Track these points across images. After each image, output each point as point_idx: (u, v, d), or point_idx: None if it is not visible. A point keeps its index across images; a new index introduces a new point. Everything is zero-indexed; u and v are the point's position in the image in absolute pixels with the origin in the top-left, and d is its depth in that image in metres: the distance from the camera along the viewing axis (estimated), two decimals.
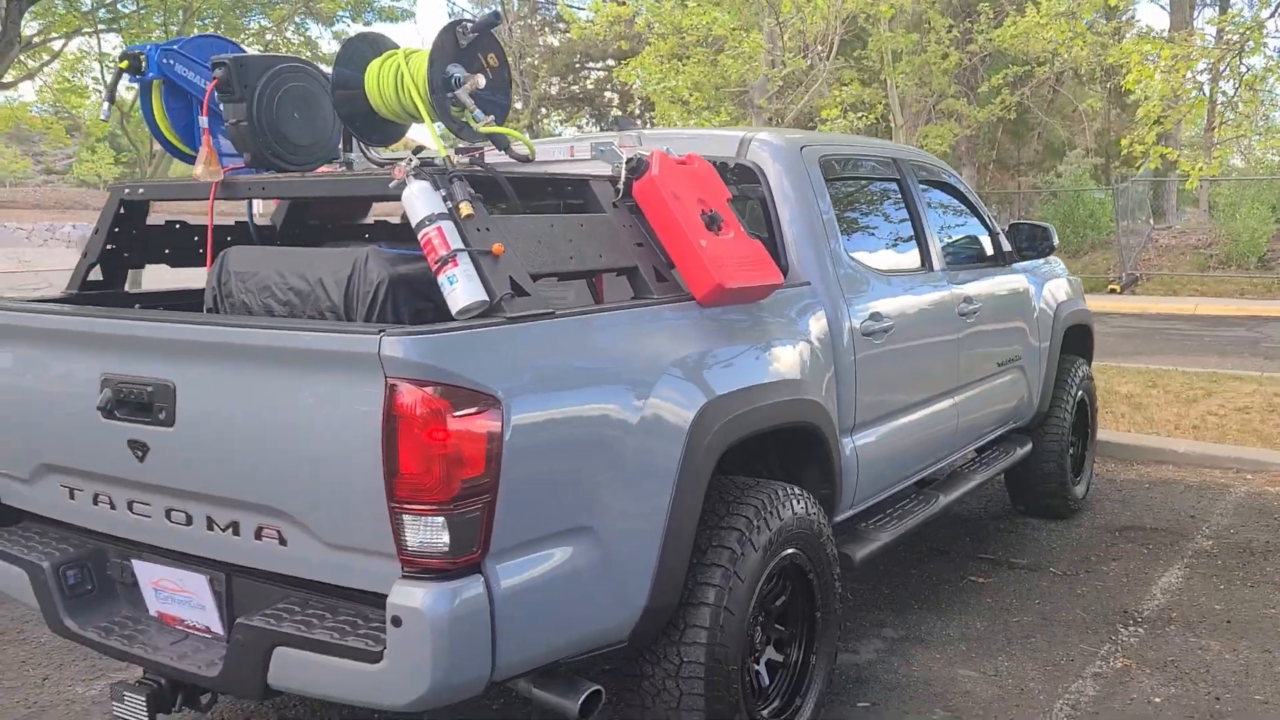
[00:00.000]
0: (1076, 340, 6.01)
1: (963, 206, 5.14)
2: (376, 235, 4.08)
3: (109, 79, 3.51)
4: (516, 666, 2.52)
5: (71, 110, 21.05)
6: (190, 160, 3.34)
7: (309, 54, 18.88)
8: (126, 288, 3.52)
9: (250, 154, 3.05)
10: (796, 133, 4.29)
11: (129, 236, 3.40)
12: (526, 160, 2.95)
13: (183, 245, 3.60)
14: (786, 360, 3.38)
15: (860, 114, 15.70)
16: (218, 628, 2.79)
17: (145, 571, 2.89)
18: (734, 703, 2.98)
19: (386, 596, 2.39)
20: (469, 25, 2.76)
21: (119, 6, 16.56)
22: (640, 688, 2.98)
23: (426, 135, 2.97)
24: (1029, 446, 5.53)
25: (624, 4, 21.53)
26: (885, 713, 3.74)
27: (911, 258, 4.46)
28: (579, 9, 33.79)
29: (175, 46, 3.20)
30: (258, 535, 2.60)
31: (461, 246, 2.50)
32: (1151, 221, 25.39)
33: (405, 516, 2.33)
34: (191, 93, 3.20)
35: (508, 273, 2.57)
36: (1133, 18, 31.13)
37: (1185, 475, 6.96)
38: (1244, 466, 6.99)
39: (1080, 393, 5.98)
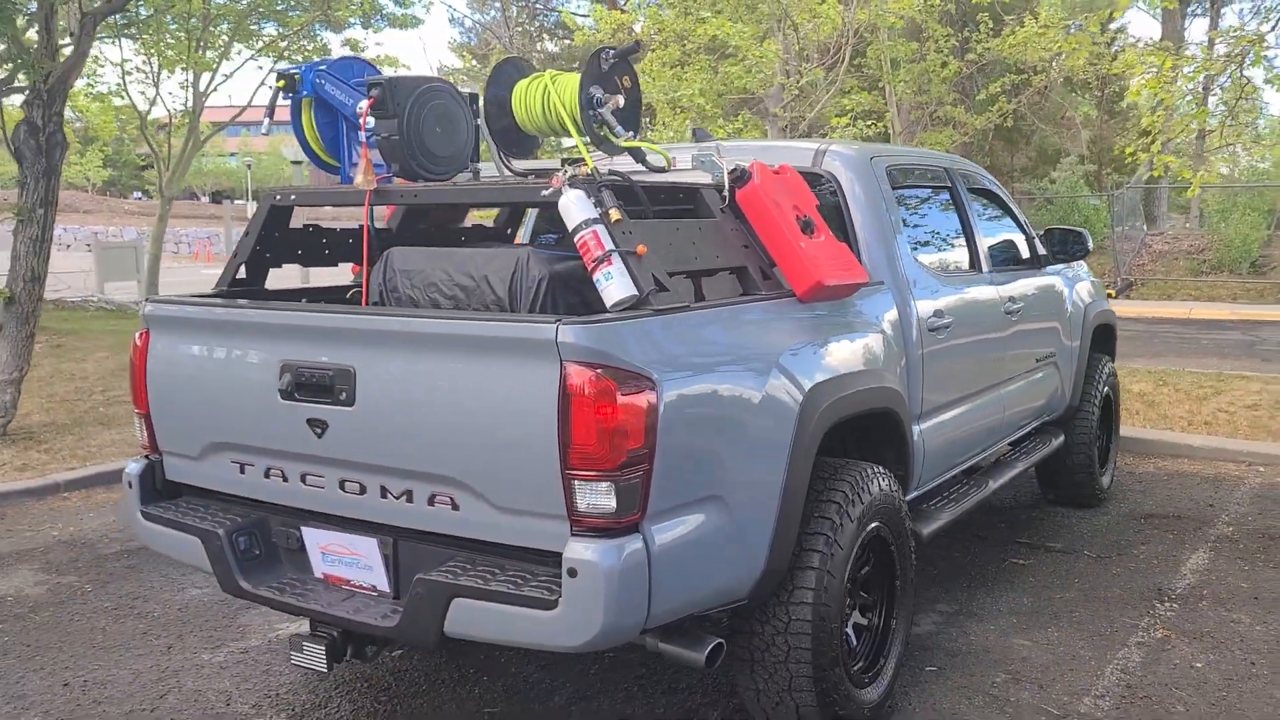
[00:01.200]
0: (1102, 339, 6.40)
1: (1002, 212, 5.51)
2: (473, 237, 4.45)
3: (269, 97, 3.77)
4: (664, 615, 2.86)
5: (83, 115, 21.29)
6: (332, 170, 3.67)
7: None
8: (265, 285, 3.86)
9: (399, 165, 3.38)
10: (864, 144, 4.64)
11: (272, 239, 3.74)
12: (662, 171, 3.29)
13: (313, 247, 3.94)
14: (871, 352, 3.74)
15: (869, 122, 16.10)
16: (384, 586, 3.12)
17: (314, 537, 3.23)
18: (834, 657, 3.33)
19: (553, 553, 2.73)
20: (610, 53, 3.11)
21: (134, 12, 16.82)
22: (751, 643, 3.32)
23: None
24: (1062, 438, 5.90)
25: (625, 11, 21.94)
26: (951, 676, 4.09)
27: (964, 259, 4.83)
28: (580, 15, 34.15)
29: (324, 67, 3.53)
30: (430, 502, 2.93)
31: (614, 247, 2.85)
32: (1145, 227, 25.93)
33: (577, 482, 2.67)
34: (339, 109, 3.54)
35: (650, 270, 2.92)
36: (1124, 27, 31.72)
37: (1201, 468, 7.35)
38: (1256, 460, 7.39)
39: (1106, 388, 6.36)
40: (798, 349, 3.34)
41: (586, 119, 3.08)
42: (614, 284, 2.83)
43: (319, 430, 3.05)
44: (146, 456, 3.61)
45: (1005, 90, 21.36)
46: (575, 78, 3.17)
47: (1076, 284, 6.08)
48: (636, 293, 2.84)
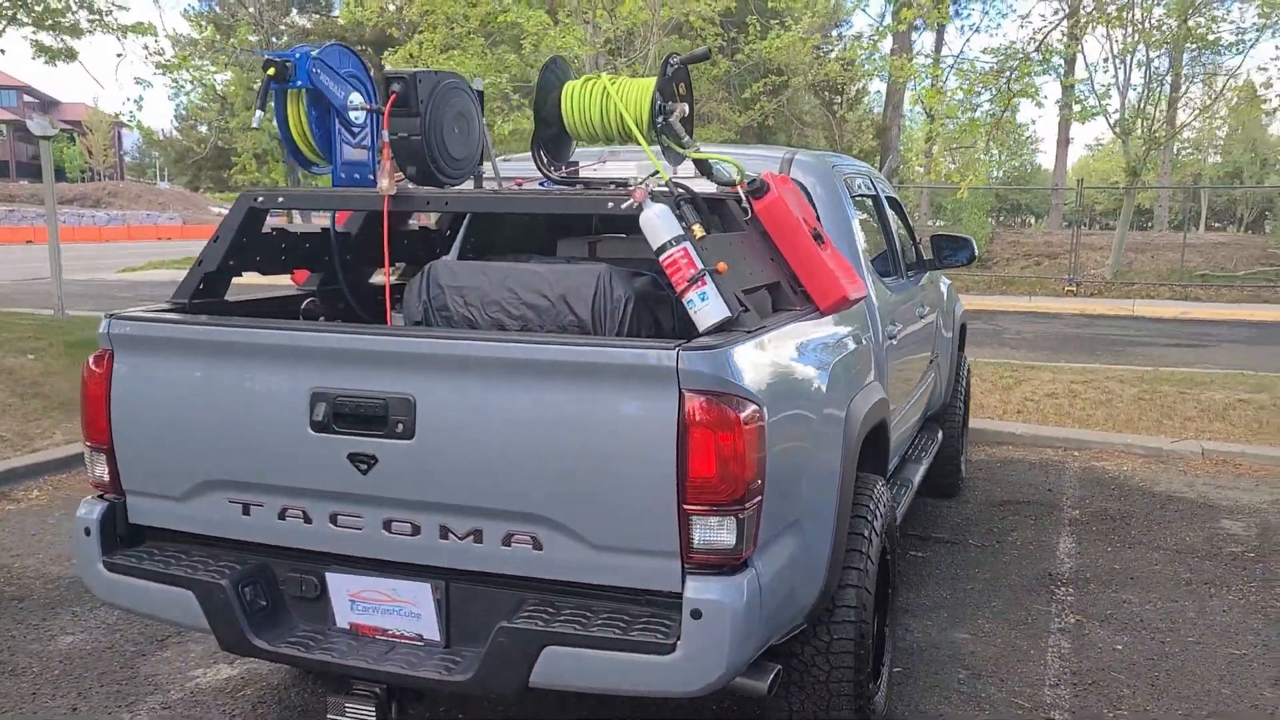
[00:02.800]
0: (963, 338, 6.79)
1: (900, 218, 5.71)
2: (415, 240, 4.14)
3: (260, 85, 3.28)
4: (759, 650, 2.76)
5: None
6: (313, 168, 3.29)
7: None
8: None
9: (416, 167, 3.07)
10: (821, 152, 4.66)
11: (240, 245, 3.30)
12: (730, 185, 3.13)
13: (272, 254, 3.52)
14: (870, 363, 3.77)
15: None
16: (434, 635, 2.83)
17: (341, 583, 2.88)
18: (870, 672, 3.34)
19: (654, 592, 2.58)
20: (676, 59, 2.94)
21: None
22: (789, 665, 3.26)
23: None
24: (940, 433, 6.20)
25: None
26: (919, 676, 4.21)
27: (891, 264, 4.97)
28: None
29: (316, 54, 3.14)
30: (506, 542, 2.68)
31: (704, 266, 2.70)
32: None
33: (695, 517, 2.52)
34: (332, 103, 3.16)
35: (732, 290, 2.79)
36: (860, 35, 33.93)
37: (1025, 454, 7.96)
38: (1069, 445, 8.08)
39: (966, 383, 6.75)
40: (835, 364, 3.31)
41: (656, 127, 2.91)
42: (709, 305, 2.68)
43: (364, 466, 2.72)
44: (102, 497, 3.10)
45: (765, 90, 22.29)
46: (639, 83, 2.98)
47: (947, 285, 6.42)
48: (730, 314, 2.71)
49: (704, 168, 3.04)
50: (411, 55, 21.10)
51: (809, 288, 3.40)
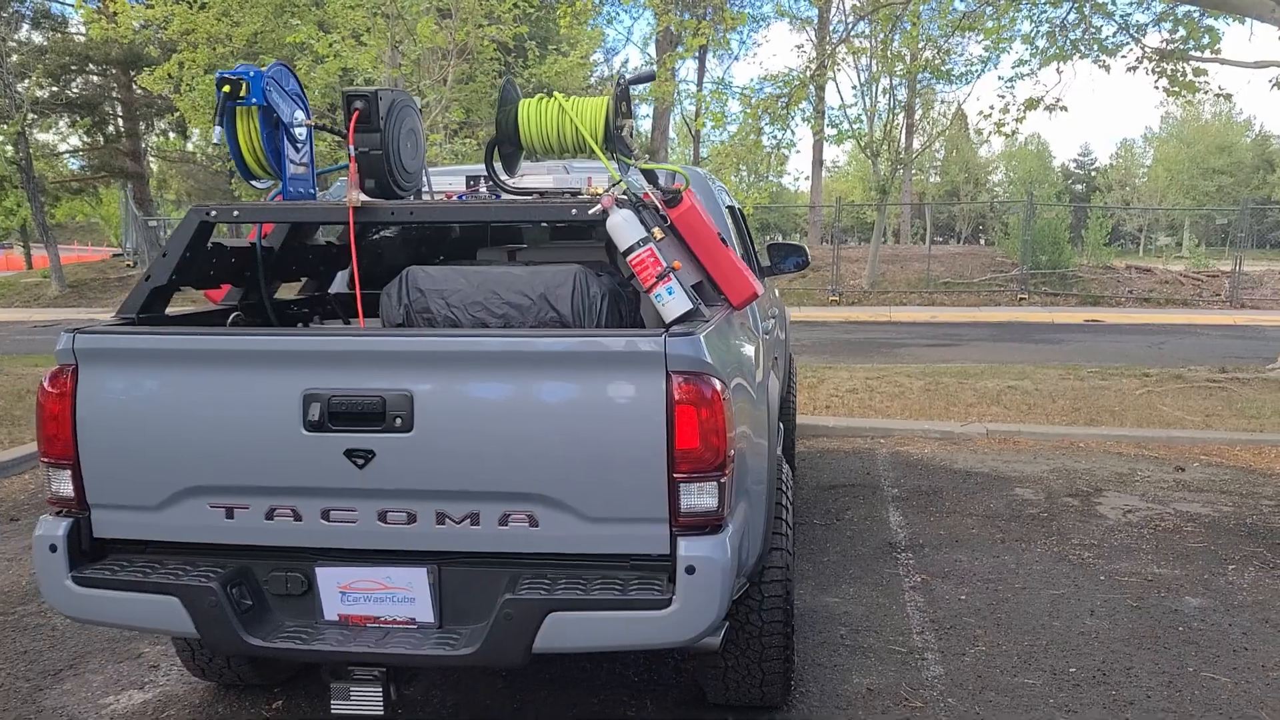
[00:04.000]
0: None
1: (744, 226, 6.23)
2: (319, 255, 4.25)
3: (218, 101, 3.28)
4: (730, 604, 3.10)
5: None
6: (254, 182, 3.39)
7: None
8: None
9: (375, 181, 3.23)
10: (696, 168, 5.07)
11: (185, 260, 3.35)
12: (675, 194, 3.45)
13: (203, 269, 3.56)
14: (766, 352, 4.20)
15: (464, 136, 16.44)
16: (427, 617, 3.00)
17: (331, 576, 3.00)
18: (793, 628, 3.75)
19: (640, 555, 2.89)
20: (625, 79, 3.25)
21: None
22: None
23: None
24: (782, 425, 6.75)
25: (151, 7, 20.30)
26: (808, 634, 4.67)
27: (750, 266, 5.45)
28: (68, 5, 30.54)
29: (270, 73, 3.25)
30: (503, 522, 2.90)
31: (668, 265, 3.04)
32: None
33: (682, 485, 2.84)
34: (281, 119, 3.27)
35: (688, 284, 3.14)
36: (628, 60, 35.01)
37: (840, 444, 8.68)
38: (875, 434, 8.88)
39: (794, 380, 7.36)
40: (753, 352, 3.71)
41: (612, 141, 3.21)
42: (675, 299, 3.01)
43: (361, 461, 2.87)
44: (60, 512, 3.08)
45: None
46: (590, 102, 3.26)
47: (777, 292, 7.00)
48: (693, 306, 3.05)
49: (650, 176, 3.37)
50: (170, 75, 20.30)
51: (723, 286, 3.78)
